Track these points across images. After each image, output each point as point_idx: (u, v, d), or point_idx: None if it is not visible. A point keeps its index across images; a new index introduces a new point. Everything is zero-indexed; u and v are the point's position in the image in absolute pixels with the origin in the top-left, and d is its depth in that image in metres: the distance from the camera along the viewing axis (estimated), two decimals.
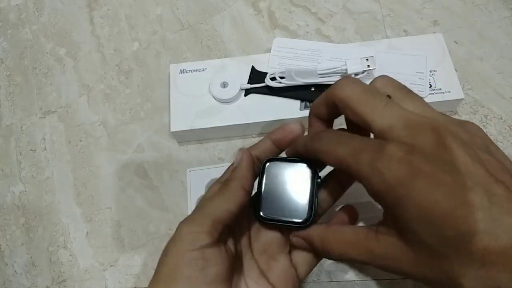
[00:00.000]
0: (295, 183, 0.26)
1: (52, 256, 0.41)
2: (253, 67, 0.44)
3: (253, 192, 0.26)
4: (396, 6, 0.51)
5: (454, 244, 0.18)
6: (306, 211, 0.25)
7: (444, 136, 0.20)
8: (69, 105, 0.49)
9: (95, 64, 0.51)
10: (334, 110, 0.24)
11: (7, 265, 0.41)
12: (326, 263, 0.38)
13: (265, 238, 0.27)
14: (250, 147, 0.28)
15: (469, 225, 0.18)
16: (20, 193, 0.44)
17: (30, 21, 0.55)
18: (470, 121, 0.25)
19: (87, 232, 0.42)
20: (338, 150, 0.22)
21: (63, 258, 0.41)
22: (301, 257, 0.27)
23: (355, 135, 0.23)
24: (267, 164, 0.26)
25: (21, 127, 0.48)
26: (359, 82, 0.23)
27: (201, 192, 0.38)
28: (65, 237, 0.42)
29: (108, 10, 0.54)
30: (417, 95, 0.23)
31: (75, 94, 0.49)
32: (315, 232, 0.25)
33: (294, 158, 0.26)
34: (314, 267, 0.28)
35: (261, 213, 0.26)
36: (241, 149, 0.26)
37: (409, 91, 0.23)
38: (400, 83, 0.24)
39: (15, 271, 0.41)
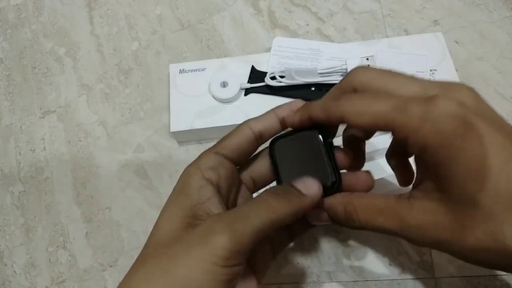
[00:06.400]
0: (309, 153, 0.25)
1: (51, 257, 0.41)
2: (253, 67, 0.44)
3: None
4: (396, 5, 0.51)
5: (506, 202, 0.18)
6: (330, 174, 0.24)
7: (478, 94, 0.20)
8: (69, 105, 0.48)
9: (94, 64, 0.51)
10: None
11: (6, 265, 0.41)
12: (326, 263, 0.38)
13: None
14: (253, 120, 0.26)
15: None
16: (20, 193, 0.44)
17: (30, 20, 0.55)
18: None
19: (87, 232, 0.42)
20: (377, 106, 0.21)
21: (62, 259, 0.41)
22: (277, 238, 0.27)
23: (386, 93, 0.22)
24: (275, 145, 0.26)
25: (21, 127, 0.48)
26: (372, 67, 0.24)
27: None
28: (64, 237, 0.42)
29: (108, 9, 0.54)
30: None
31: (75, 93, 0.49)
32: (337, 199, 0.24)
33: (297, 130, 0.25)
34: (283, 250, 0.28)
35: None
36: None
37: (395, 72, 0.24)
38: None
39: (15, 272, 0.41)
